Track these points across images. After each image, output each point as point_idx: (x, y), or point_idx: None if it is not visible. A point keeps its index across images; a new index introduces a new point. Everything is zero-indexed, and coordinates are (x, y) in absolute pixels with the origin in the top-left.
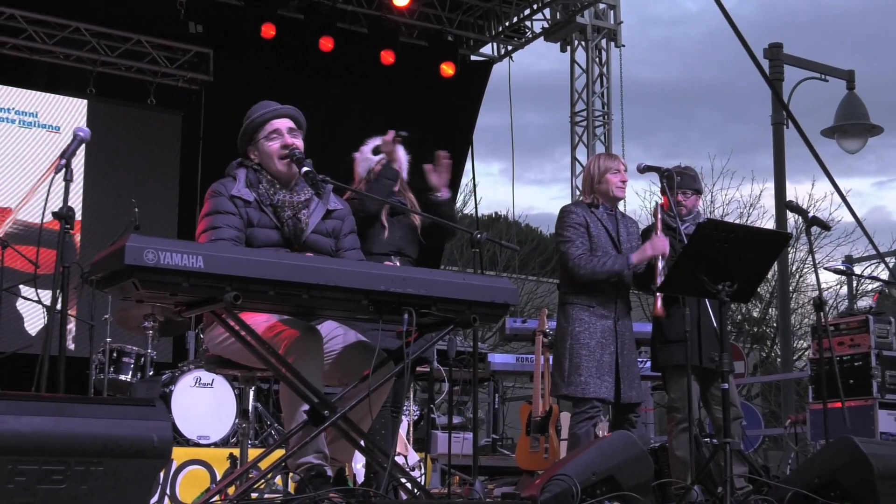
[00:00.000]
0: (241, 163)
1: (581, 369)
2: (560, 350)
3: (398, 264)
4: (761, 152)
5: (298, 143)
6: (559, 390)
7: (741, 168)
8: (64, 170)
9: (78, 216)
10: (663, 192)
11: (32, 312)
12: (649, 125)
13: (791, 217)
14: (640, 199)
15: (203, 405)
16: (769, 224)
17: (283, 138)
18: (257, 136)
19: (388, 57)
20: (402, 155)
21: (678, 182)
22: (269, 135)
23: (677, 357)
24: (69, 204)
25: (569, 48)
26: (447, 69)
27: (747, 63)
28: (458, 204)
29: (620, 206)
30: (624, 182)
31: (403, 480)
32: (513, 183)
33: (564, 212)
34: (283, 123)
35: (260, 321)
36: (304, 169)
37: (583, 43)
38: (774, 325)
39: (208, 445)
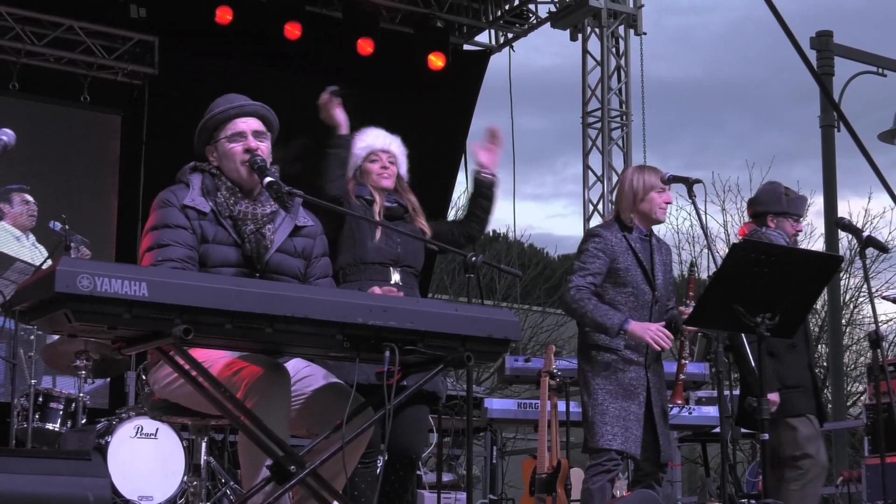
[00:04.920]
0: (196, 167)
1: (607, 417)
2: (584, 397)
3: (398, 278)
4: (799, 163)
5: (265, 146)
6: (587, 445)
7: (781, 180)
8: None
9: None
10: (710, 207)
11: None
12: (667, 131)
13: (843, 237)
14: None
15: (145, 459)
16: (817, 245)
17: (246, 141)
18: (217, 135)
19: (366, 46)
20: (375, 141)
21: (788, 205)
22: (231, 136)
23: (801, 406)
24: None
25: (580, 36)
26: (436, 61)
27: (782, 59)
28: (450, 219)
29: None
30: (668, 203)
31: None
32: (514, 196)
33: (589, 235)
34: (249, 124)
35: (215, 358)
36: (268, 179)
37: (597, 30)
38: (824, 364)
39: None
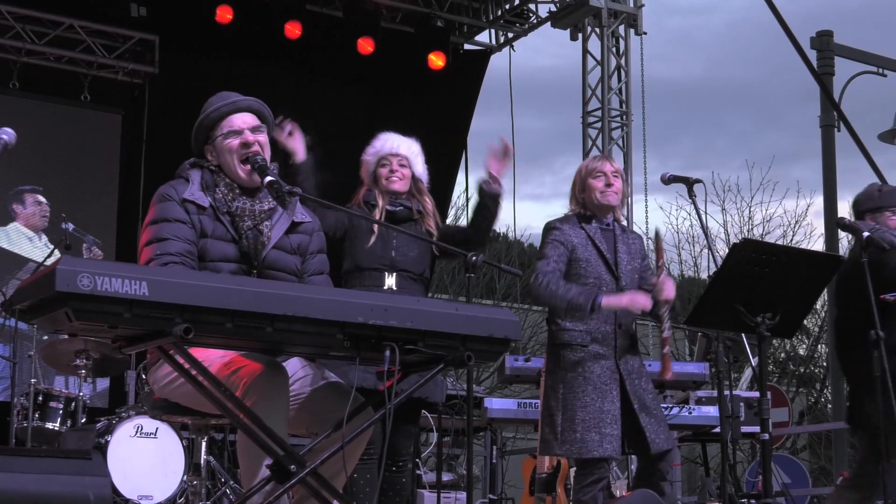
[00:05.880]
0: (196, 162)
1: (576, 424)
2: (551, 401)
3: (392, 283)
4: (799, 163)
5: (262, 139)
6: (551, 450)
7: (780, 180)
8: None
9: None
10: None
11: None
12: (667, 131)
13: (843, 237)
14: (664, 213)
15: (145, 459)
16: (817, 245)
17: (243, 136)
18: (214, 133)
19: (366, 45)
20: (391, 146)
21: (881, 199)
22: (227, 133)
23: None
24: None
25: (580, 36)
26: (436, 60)
27: (782, 59)
28: (450, 220)
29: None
30: (609, 186)
31: None
32: (514, 195)
33: (547, 228)
34: (244, 120)
35: (214, 357)
36: (268, 179)
37: (597, 30)
38: (824, 364)
39: None
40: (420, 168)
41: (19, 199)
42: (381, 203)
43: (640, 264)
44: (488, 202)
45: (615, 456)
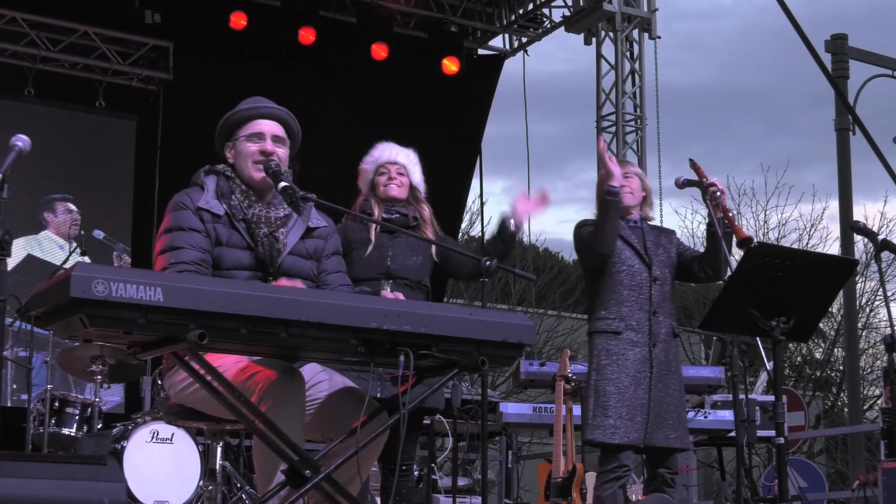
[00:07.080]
0: (211, 169)
1: (609, 410)
2: (586, 387)
3: (389, 290)
4: (810, 168)
5: (282, 152)
6: (585, 434)
7: (793, 185)
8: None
9: None
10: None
11: None
12: (678, 136)
13: (859, 241)
14: (679, 217)
15: (161, 464)
16: (833, 249)
17: (263, 143)
18: (237, 132)
19: (380, 51)
20: (389, 154)
21: None
22: (249, 135)
23: None
24: (5, 227)
25: (594, 40)
26: (450, 65)
27: (791, 64)
28: (464, 224)
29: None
30: (622, 188)
31: None
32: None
33: (580, 225)
34: (270, 127)
35: (230, 362)
36: (283, 184)
37: (611, 34)
38: (840, 368)
39: None
40: (417, 177)
41: (50, 208)
42: (377, 212)
43: (675, 251)
44: (506, 238)
45: (638, 444)
